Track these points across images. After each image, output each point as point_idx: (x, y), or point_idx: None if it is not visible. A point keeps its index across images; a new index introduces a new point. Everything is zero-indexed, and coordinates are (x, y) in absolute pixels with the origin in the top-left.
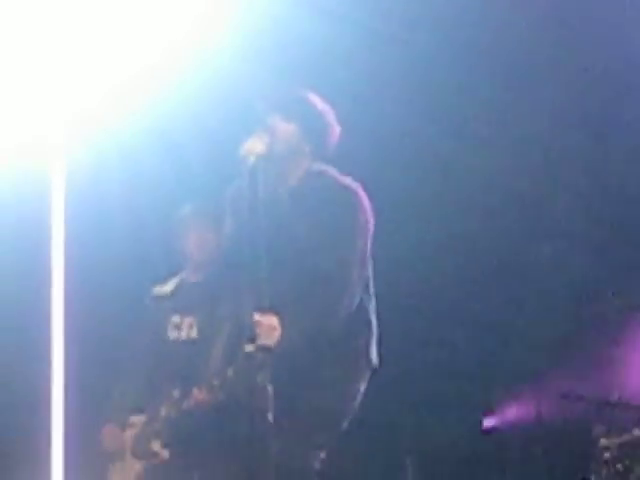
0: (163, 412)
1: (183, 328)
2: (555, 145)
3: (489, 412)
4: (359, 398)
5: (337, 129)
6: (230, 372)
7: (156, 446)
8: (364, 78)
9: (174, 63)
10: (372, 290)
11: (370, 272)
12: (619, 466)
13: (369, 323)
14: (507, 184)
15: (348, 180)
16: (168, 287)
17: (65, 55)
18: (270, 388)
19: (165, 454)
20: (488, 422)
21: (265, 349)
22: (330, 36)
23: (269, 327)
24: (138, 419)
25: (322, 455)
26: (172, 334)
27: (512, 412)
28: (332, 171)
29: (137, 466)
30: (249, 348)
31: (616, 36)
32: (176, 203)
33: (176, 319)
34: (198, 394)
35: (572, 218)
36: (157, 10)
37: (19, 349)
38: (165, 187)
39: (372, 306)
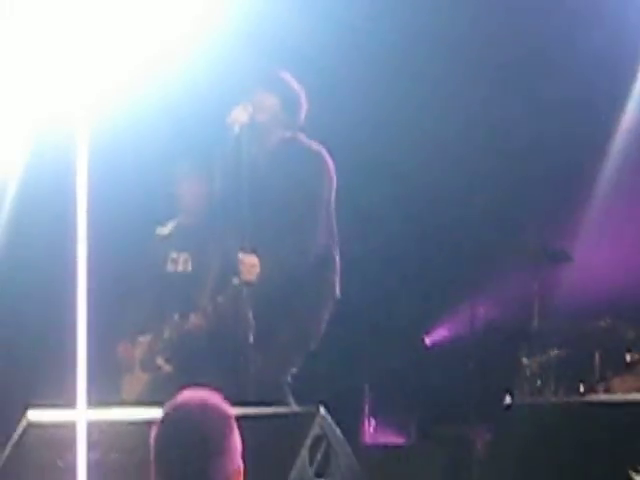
0: (166, 333)
1: (179, 263)
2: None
3: (429, 332)
4: (324, 324)
5: (306, 103)
6: (220, 299)
7: (160, 361)
8: (331, 64)
9: (178, 47)
10: (336, 235)
11: (334, 221)
12: (538, 381)
13: (333, 262)
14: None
15: (315, 144)
16: (167, 228)
17: (84, 41)
18: (251, 315)
19: (167, 368)
20: (429, 340)
21: (247, 283)
22: (305, 27)
23: (250, 265)
24: (145, 338)
25: (293, 370)
26: (170, 268)
27: (449, 332)
28: (302, 137)
29: (144, 377)
30: (234, 282)
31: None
32: (175, 160)
33: (174, 255)
34: (195, 318)
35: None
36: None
37: (51, 281)
38: (166, 147)
39: (336, 248)
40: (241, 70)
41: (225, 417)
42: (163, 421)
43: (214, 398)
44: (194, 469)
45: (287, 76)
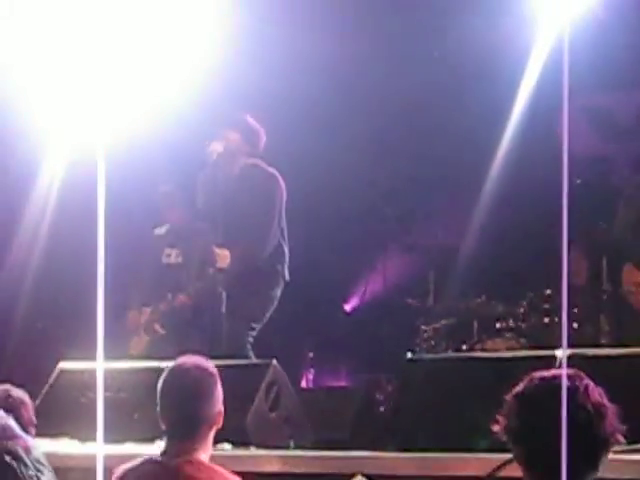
0: (162, 307)
1: (172, 256)
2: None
3: (346, 301)
4: (276, 301)
5: (264, 138)
6: (199, 284)
7: (157, 327)
8: (282, 108)
9: (170, 96)
10: (286, 234)
11: (284, 225)
12: (432, 342)
13: (283, 253)
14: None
15: (271, 169)
16: (163, 229)
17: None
18: (224, 294)
19: (162, 332)
20: (347, 307)
21: (220, 270)
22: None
23: (223, 256)
24: (147, 309)
25: (253, 333)
26: (165, 260)
27: (360, 301)
28: (261, 163)
29: (146, 338)
30: (211, 270)
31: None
32: (167, 179)
33: (168, 250)
34: (181, 298)
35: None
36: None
37: (81, 267)
38: (160, 170)
39: (286, 245)
40: (215, 112)
41: (211, 374)
42: (166, 375)
43: (204, 361)
44: (187, 409)
45: (249, 118)
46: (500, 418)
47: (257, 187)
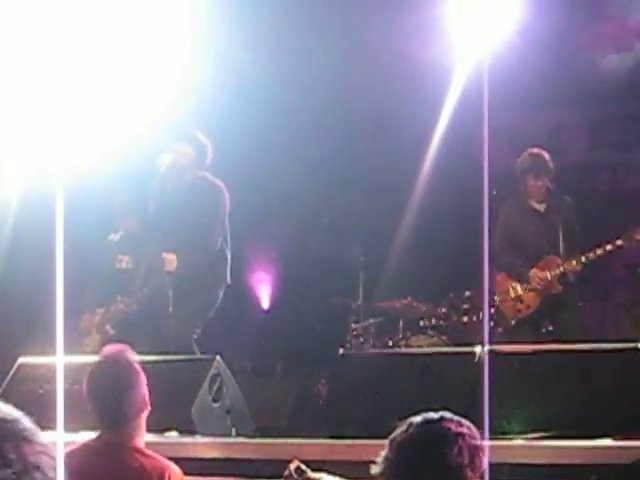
0: (112, 308)
1: (123, 262)
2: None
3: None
4: (219, 300)
5: (211, 152)
6: (145, 290)
7: (108, 327)
8: (229, 125)
9: (122, 111)
10: (228, 240)
11: (227, 230)
12: (361, 339)
13: (226, 258)
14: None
15: (218, 181)
16: (117, 236)
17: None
18: (171, 293)
19: (112, 332)
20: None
21: (169, 273)
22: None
23: (170, 260)
24: (100, 311)
25: (198, 331)
26: (117, 265)
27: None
28: (209, 175)
29: (97, 337)
30: (160, 272)
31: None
32: (120, 190)
33: (120, 256)
34: (128, 302)
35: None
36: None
37: (40, 269)
38: (113, 182)
39: (228, 249)
40: (166, 127)
41: (131, 363)
42: (92, 370)
43: (124, 351)
44: (112, 398)
45: (198, 134)
46: (377, 461)
47: (203, 197)
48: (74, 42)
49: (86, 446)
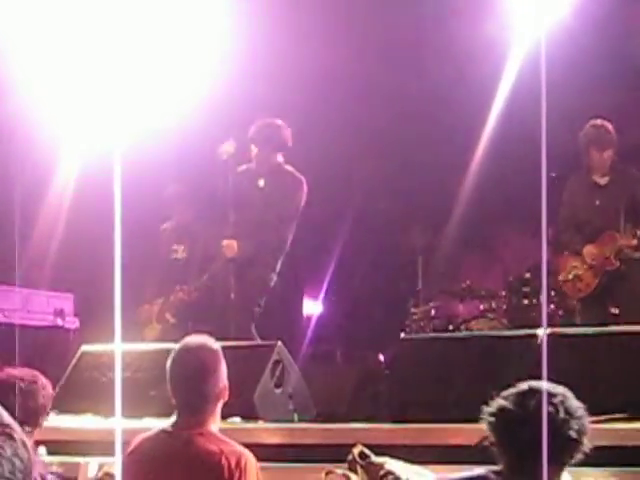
0: (171, 297)
1: (179, 251)
2: None
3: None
4: (273, 282)
5: (290, 141)
6: (205, 277)
7: (168, 316)
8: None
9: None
10: (292, 230)
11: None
12: (421, 323)
13: (285, 248)
14: None
15: (297, 174)
16: (169, 225)
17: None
18: (232, 279)
19: (172, 320)
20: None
21: (229, 259)
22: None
23: (231, 247)
24: (159, 301)
25: (258, 309)
26: (173, 255)
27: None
28: (287, 166)
29: (158, 327)
30: (220, 259)
31: None
32: (174, 180)
33: (175, 246)
34: (187, 289)
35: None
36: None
37: (100, 257)
38: (169, 171)
39: (290, 238)
40: (223, 116)
41: (215, 351)
42: (174, 354)
43: (208, 340)
44: (194, 385)
45: (279, 122)
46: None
47: (283, 192)
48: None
49: (162, 432)
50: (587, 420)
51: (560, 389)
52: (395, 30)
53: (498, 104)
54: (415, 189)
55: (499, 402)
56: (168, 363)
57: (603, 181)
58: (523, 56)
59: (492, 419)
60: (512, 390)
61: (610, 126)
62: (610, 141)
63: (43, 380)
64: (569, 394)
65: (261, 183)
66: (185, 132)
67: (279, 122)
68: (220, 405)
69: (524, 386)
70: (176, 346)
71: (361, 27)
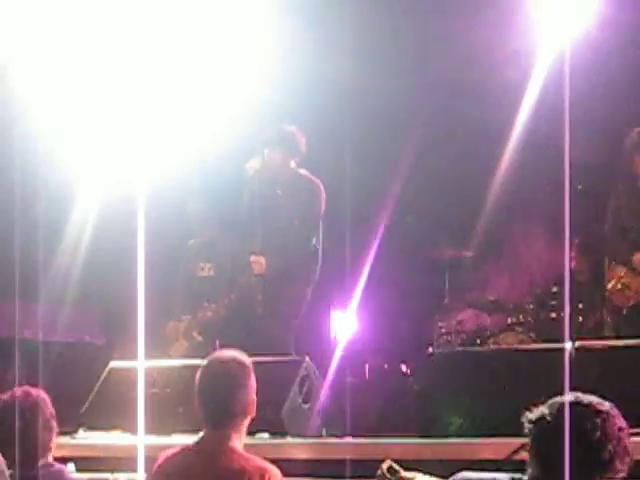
0: (199, 315)
1: (205, 269)
2: None
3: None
4: (307, 300)
5: (304, 144)
6: (233, 296)
7: (195, 333)
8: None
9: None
10: (321, 238)
11: (320, 229)
12: (449, 337)
13: (317, 257)
14: None
15: (315, 179)
16: (194, 242)
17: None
18: (260, 296)
19: (199, 338)
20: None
21: (257, 276)
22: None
23: (259, 263)
24: (186, 317)
25: (296, 322)
26: (200, 273)
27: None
28: (306, 173)
29: (185, 344)
30: (248, 276)
31: None
32: (200, 199)
33: (201, 264)
34: (215, 307)
35: None
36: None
37: (124, 276)
38: (195, 187)
39: (319, 247)
40: (247, 134)
41: (245, 365)
42: (204, 367)
43: (239, 354)
44: (222, 398)
45: (295, 130)
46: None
47: (299, 196)
48: (156, 46)
49: (187, 449)
50: (628, 442)
51: (607, 406)
52: (418, 43)
53: (522, 116)
54: (442, 203)
55: (541, 409)
56: (198, 375)
57: None
58: (548, 68)
59: (530, 425)
60: (557, 399)
61: None
62: None
63: (41, 402)
64: (615, 412)
65: (279, 192)
66: (209, 148)
67: (293, 128)
68: (247, 422)
69: (569, 397)
70: (204, 362)
71: (384, 40)
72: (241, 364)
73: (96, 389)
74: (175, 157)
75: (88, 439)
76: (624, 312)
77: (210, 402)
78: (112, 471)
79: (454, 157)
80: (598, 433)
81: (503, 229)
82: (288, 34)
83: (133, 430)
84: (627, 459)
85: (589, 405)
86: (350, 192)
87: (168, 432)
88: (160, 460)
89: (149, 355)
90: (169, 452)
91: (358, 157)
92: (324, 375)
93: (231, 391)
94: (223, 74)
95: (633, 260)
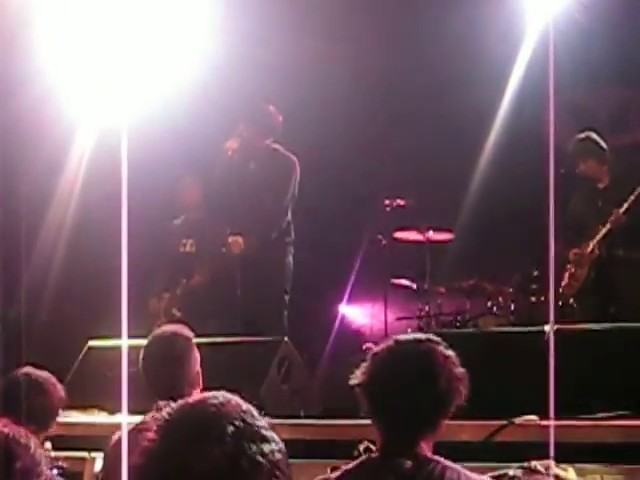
0: (178, 291)
1: (187, 245)
2: None
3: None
4: (291, 267)
5: (281, 122)
6: (213, 264)
7: (175, 310)
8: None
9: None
10: (290, 217)
11: (294, 199)
12: (429, 320)
13: (290, 227)
14: None
15: (290, 154)
16: (179, 221)
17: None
18: (239, 275)
19: (179, 314)
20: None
21: (235, 254)
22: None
23: (237, 243)
24: (166, 295)
25: (287, 296)
26: (181, 249)
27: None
28: (280, 149)
29: (165, 321)
30: (226, 256)
31: None
32: (184, 174)
33: (183, 240)
34: (197, 277)
35: None
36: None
37: (106, 254)
38: (178, 166)
39: (291, 221)
40: (232, 108)
41: (187, 339)
42: (146, 345)
43: (180, 328)
44: (166, 372)
45: (270, 108)
46: (358, 374)
47: (274, 172)
48: (140, 17)
49: (135, 429)
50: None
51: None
52: (401, 24)
53: (507, 100)
54: (426, 188)
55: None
56: (140, 353)
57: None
58: (530, 52)
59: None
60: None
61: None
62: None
63: (55, 382)
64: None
65: (252, 166)
66: (194, 128)
67: (269, 106)
68: (196, 393)
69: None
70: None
71: (367, 20)
72: (183, 337)
73: (74, 368)
74: (162, 136)
75: (65, 417)
76: (570, 301)
77: (155, 378)
78: (89, 450)
79: (437, 142)
80: (432, 367)
81: (484, 212)
82: (277, 17)
83: (110, 409)
84: (461, 386)
85: (414, 342)
86: (334, 176)
87: (145, 411)
88: (112, 441)
89: (130, 334)
90: (118, 433)
91: (344, 141)
92: (320, 358)
93: (174, 367)
94: (209, 55)
95: (569, 256)
